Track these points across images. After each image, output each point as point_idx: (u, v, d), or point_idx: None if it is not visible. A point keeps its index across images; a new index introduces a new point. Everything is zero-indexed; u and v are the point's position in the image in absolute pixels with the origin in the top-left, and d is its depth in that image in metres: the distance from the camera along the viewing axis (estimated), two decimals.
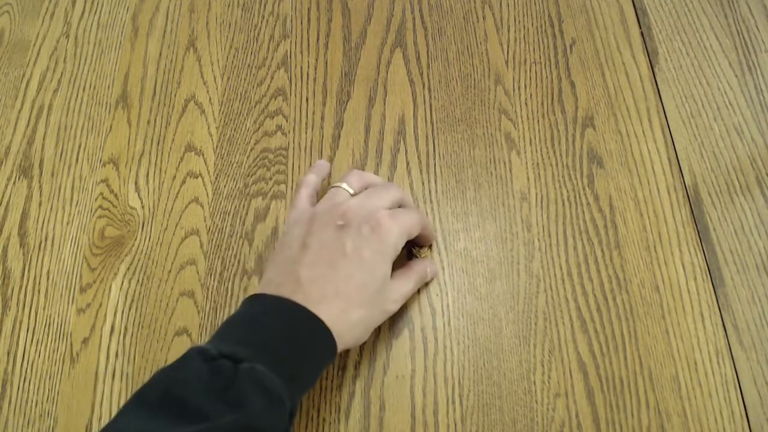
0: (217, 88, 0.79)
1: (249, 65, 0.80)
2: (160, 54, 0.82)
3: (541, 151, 0.73)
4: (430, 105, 0.77)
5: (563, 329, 0.64)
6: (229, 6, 0.85)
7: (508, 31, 0.82)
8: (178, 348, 0.64)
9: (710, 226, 0.69)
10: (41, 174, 0.74)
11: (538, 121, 0.75)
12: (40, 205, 0.72)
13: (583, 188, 0.71)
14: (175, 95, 0.79)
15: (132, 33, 0.83)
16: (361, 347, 0.64)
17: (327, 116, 0.76)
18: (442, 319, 0.65)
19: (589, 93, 0.77)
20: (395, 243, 0.55)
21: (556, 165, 0.73)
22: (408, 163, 0.73)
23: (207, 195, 0.72)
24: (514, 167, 0.73)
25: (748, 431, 0.59)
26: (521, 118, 0.76)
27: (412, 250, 0.67)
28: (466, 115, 0.76)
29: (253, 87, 0.79)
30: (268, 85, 0.79)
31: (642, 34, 0.81)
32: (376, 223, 0.54)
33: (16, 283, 0.67)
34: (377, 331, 0.64)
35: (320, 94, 0.78)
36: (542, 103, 0.76)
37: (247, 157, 0.74)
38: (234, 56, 0.81)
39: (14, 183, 0.73)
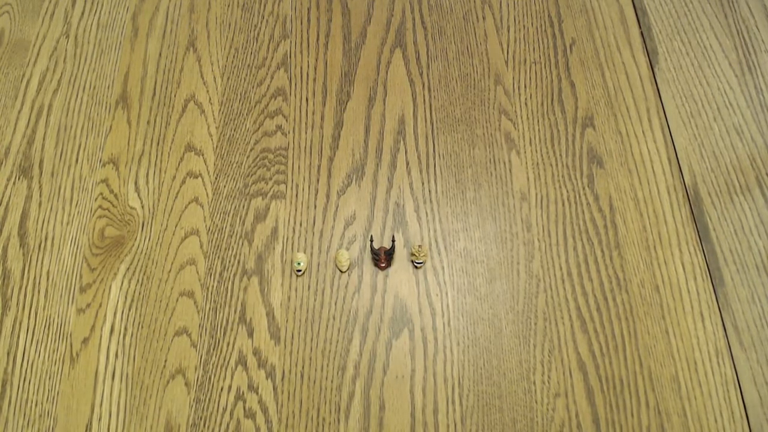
0: (217, 88, 0.79)
1: (249, 65, 0.80)
2: (160, 54, 0.82)
3: (541, 151, 0.73)
4: (430, 105, 0.77)
5: (563, 329, 0.64)
6: (229, 6, 0.85)
7: (508, 31, 0.82)
8: (178, 348, 0.64)
9: (710, 226, 0.68)
10: (41, 174, 0.74)
11: (538, 121, 0.75)
12: (40, 205, 0.72)
13: (583, 188, 0.71)
14: (175, 95, 0.79)
15: (132, 33, 0.83)
16: (361, 347, 0.64)
17: (327, 116, 0.76)
18: (442, 319, 0.65)
19: (589, 93, 0.77)
20: None
21: (556, 165, 0.73)
22: (408, 163, 0.73)
23: (207, 195, 0.72)
24: (514, 167, 0.73)
25: (748, 431, 0.59)
26: (521, 118, 0.76)
27: (412, 250, 0.67)
28: (466, 115, 0.76)
29: (253, 87, 0.79)
30: (268, 85, 0.79)
31: (642, 34, 0.81)
32: None
33: (16, 283, 0.67)
34: (377, 331, 0.64)
35: (320, 94, 0.78)
36: (542, 103, 0.76)
37: (247, 157, 0.74)
38: (234, 56, 0.81)
39: (14, 183, 0.73)
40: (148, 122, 0.77)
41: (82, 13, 0.85)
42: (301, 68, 0.80)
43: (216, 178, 0.73)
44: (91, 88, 0.79)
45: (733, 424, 0.59)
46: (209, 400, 0.61)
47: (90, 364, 0.63)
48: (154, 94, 0.79)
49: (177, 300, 0.66)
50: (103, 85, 0.79)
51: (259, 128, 0.76)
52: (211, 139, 0.75)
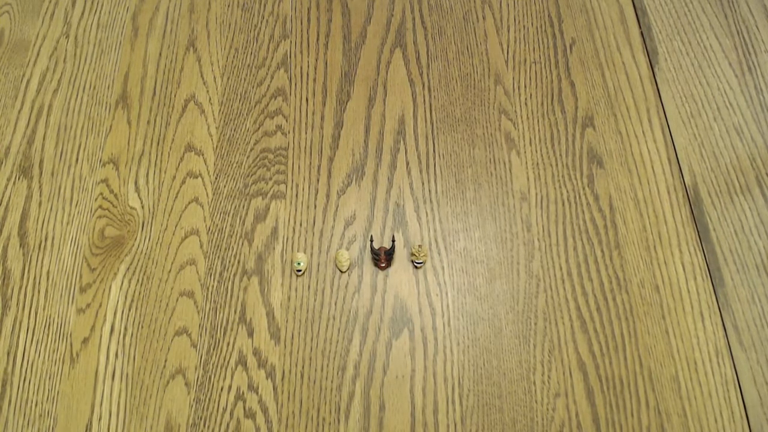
0: (217, 88, 0.79)
1: (249, 65, 0.80)
2: (160, 54, 0.82)
3: (541, 151, 0.73)
4: (430, 105, 0.77)
5: (563, 329, 0.64)
6: (229, 6, 0.85)
7: (508, 31, 0.82)
8: (178, 348, 0.64)
9: (710, 226, 0.68)
10: (41, 174, 0.74)
11: (538, 121, 0.75)
12: (40, 205, 0.72)
13: (583, 188, 0.71)
14: (175, 95, 0.79)
15: (132, 33, 0.83)
16: (361, 347, 0.64)
17: (327, 116, 0.76)
18: (442, 319, 0.65)
19: (589, 93, 0.77)
20: None
21: (556, 165, 0.73)
22: (408, 163, 0.73)
23: (207, 195, 0.72)
24: (514, 167, 0.73)
25: (748, 431, 0.59)
26: (521, 118, 0.76)
27: (412, 250, 0.67)
28: (466, 115, 0.76)
29: (253, 87, 0.79)
30: (268, 85, 0.79)
31: (642, 34, 0.81)
32: None
33: (16, 283, 0.67)
34: (377, 331, 0.64)
35: (320, 94, 0.78)
36: (542, 103, 0.76)
37: (247, 157, 0.74)
38: (234, 56, 0.81)
39: (14, 183, 0.73)
40: (148, 122, 0.77)
41: (82, 13, 0.85)
42: (301, 68, 0.80)
43: (216, 178, 0.73)
44: (91, 88, 0.79)
45: (733, 424, 0.59)
46: (209, 400, 0.61)
47: (90, 364, 0.63)
48: (154, 94, 0.79)
49: (177, 300, 0.66)
50: (103, 85, 0.79)
51: (259, 128, 0.76)
52: (211, 139, 0.75)
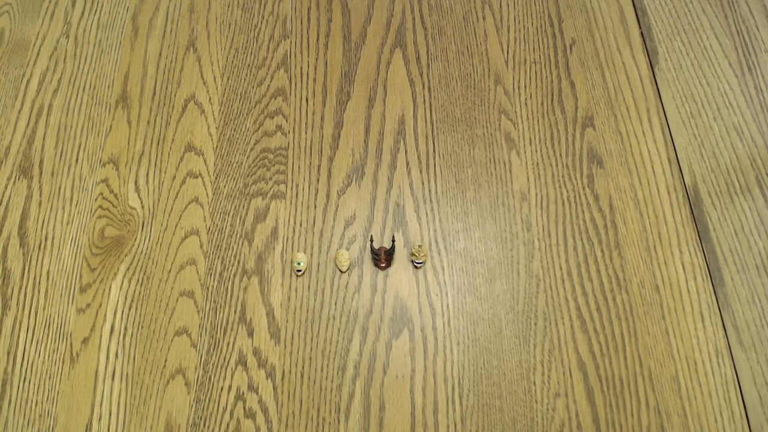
0: (217, 88, 0.79)
1: (249, 65, 0.80)
2: (160, 54, 0.82)
3: (541, 151, 0.73)
4: (430, 105, 0.77)
5: (563, 329, 0.64)
6: (229, 6, 0.85)
7: (508, 31, 0.82)
8: (178, 348, 0.64)
9: (710, 226, 0.69)
10: (41, 174, 0.74)
11: (538, 121, 0.75)
12: (40, 205, 0.72)
13: (583, 188, 0.71)
14: (175, 95, 0.79)
15: (132, 33, 0.83)
16: (361, 347, 0.64)
17: (327, 116, 0.76)
18: (442, 319, 0.65)
19: (589, 93, 0.77)
20: None
21: (556, 165, 0.73)
22: (408, 163, 0.73)
23: (207, 195, 0.72)
24: (514, 167, 0.73)
25: (748, 431, 0.59)
26: (521, 118, 0.76)
27: (412, 250, 0.67)
28: (466, 115, 0.76)
29: (253, 87, 0.79)
30: (268, 85, 0.79)
31: (642, 34, 0.81)
32: None
33: (16, 283, 0.67)
34: (377, 331, 0.64)
35: (320, 94, 0.78)
36: (542, 103, 0.76)
37: (247, 157, 0.74)
38: (234, 56, 0.81)
39: (14, 183, 0.73)
40: (148, 122, 0.77)
41: (82, 13, 0.85)
42: (301, 68, 0.80)
43: (216, 178, 0.73)
44: (91, 88, 0.79)
45: (733, 424, 0.59)
46: (209, 400, 0.61)
47: (90, 364, 0.63)
48: (154, 94, 0.79)
49: (177, 300, 0.66)
50: (103, 85, 0.79)
51: (259, 128, 0.76)
52: (211, 139, 0.75)
